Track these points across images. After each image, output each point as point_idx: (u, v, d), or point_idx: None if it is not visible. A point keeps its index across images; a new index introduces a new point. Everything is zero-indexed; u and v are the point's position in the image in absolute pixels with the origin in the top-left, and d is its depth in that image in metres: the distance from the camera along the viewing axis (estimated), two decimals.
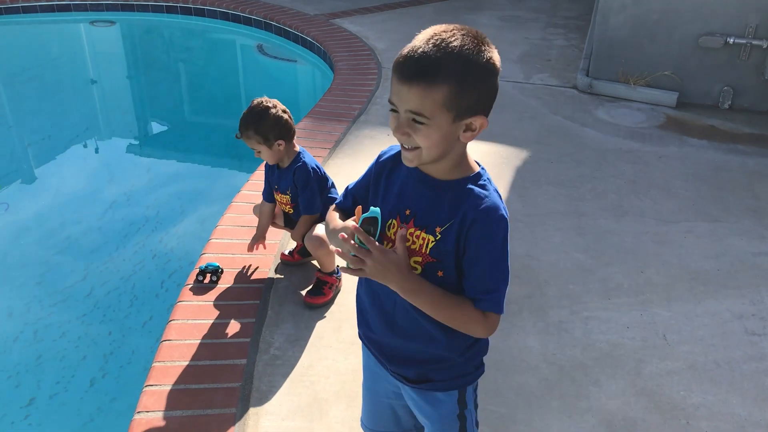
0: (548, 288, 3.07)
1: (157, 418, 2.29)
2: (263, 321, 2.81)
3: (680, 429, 2.34)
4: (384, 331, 1.52)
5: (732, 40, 4.89)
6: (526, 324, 2.83)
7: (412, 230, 1.40)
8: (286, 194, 2.94)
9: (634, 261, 3.28)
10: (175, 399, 2.37)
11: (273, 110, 2.78)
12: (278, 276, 3.11)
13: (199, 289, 2.96)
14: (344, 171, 4.00)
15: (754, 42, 4.86)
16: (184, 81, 7.31)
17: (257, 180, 3.75)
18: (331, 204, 1.62)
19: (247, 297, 2.94)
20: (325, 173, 2.99)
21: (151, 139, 6.05)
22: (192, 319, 2.78)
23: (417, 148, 1.32)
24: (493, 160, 4.24)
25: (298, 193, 2.90)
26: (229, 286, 3.00)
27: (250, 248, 3.07)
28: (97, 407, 2.87)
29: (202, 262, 3.07)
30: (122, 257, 3.85)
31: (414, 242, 1.40)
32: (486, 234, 1.35)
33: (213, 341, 2.67)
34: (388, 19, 7.44)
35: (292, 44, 7.18)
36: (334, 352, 2.65)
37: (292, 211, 3.01)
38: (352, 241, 1.34)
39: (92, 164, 5.35)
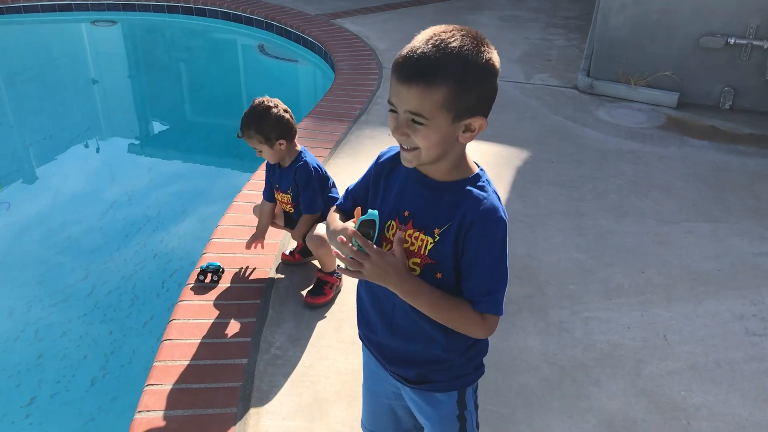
0: (549, 288, 3.07)
1: (157, 418, 2.29)
2: (264, 321, 2.81)
3: (681, 429, 2.34)
4: (384, 331, 1.52)
5: (733, 41, 4.89)
6: (526, 324, 2.83)
7: (410, 231, 1.40)
8: (287, 193, 2.95)
9: (634, 261, 3.28)
10: (175, 398, 2.37)
11: (274, 110, 2.79)
12: (279, 276, 3.11)
13: (200, 288, 2.96)
14: (345, 171, 4.00)
15: (755, 42, 4.86)
16: (185, 81, 7.31)
17: (258, 179, 3.75)
18: (332, 203, 1.62)
19: (248, 297, 2.94)
20: (326, 173, 2.99)
21: (152, 138, 6.05)
22: (193, 318, 2.78)
23: (416, 148, 1.32)
24: (493, 161, 4.24)
25: (299, 193, 2.90)
26: (230, 285, 3.01)
27: (248, 246, 3.07)
28: (98, 406, 2.87)
29: (203, 262, 3.08)
30: (123, 257, 3.86)
31: (413, 243, 1.40)
32: (485, 236, 1.35)
33: (214, 341, 2.67)
34: (389, 19, 7.44)
35: (293, 44, 7.18)
36: (334, 351, 2.66)
37: (293, 210, 3.01)
38: (350, 244, 1.34)
39: (93, 164, 5.35)
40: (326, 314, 2.87)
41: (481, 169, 1.42)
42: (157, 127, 6.48)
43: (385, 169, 1.49)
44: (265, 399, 2.41)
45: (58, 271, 3.75)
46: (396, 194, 1.44)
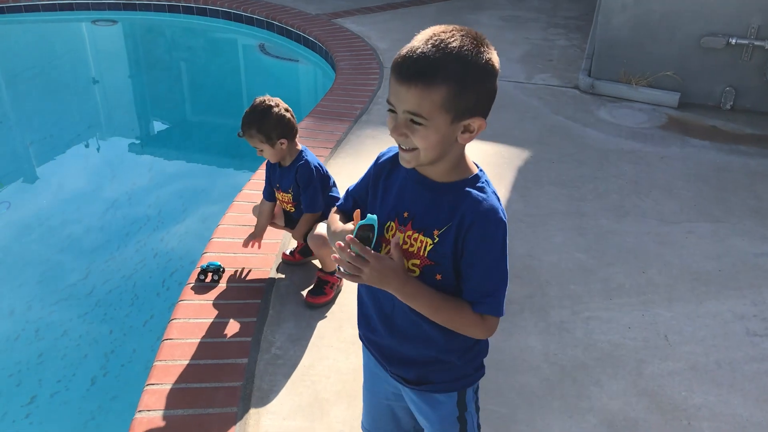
0: (550, 288, 3.07)
1: (158, 417, 2.29)
2: (264, 320, 2.81)
3: (682, 430, 2.34)
4: (384, 332, 1.52)
5: (734, 41, 4.89)
6: (527, 324, 2.83)
7: (410, 233, 1.39)
8: (288, 193, 2.94)
9: (635, 261, 3.28)
10: (176, 398, 2.37)
11: (276, 109, 2.78)
12: (279, 275, 3.11)
13: (201, 288, 2.96)
14: (346, 170, 4.00)
15: (756, 43, 4.86)
16: (186, 80, 7.31)
17: (259, 179, 3.75)
18: (333, 203, 1.62)
19: (249, 296, 2.94)
20: (327, 172, 2.99)
21: (152, 138, 6.05)
22: (193, 318, 2.78)
23: (415, 149, 1.31)
24: (494, 160, 4.24)
25: (300, 192, 2.90)
26: (230, 285, 3.00)
27: (245, 244, 3.06)
28: (98, 406, 2.87)
29: (204, 261, 3.07)
30: (123, 256, 3.86)
31: (412, 245, 1.39)
32: (484, 237, 1.34)
33: (214, 340, 2.67)
34: (390, 19, 7.44)
35: (294, 44, 7.18)
36: (335, 351, 2.65)
37: (293, 209, 3.01)
38: (349, 250, 1.34)
39: (94, 163, 5.35)
40: (327, 314, 2.87)
41: (481, 170, 1.41)
42: (158, 126, 6.48)
43: (384, 170, 1.48)
44: (265, 398, 2.41)
45: (58, 270, 3.74)
46: (395, 195, 1.44)
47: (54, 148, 5.49)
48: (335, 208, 1.61)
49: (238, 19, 7.70)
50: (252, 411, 2.35)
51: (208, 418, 2.30)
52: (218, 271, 3.01)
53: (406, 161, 1.35)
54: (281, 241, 3.33)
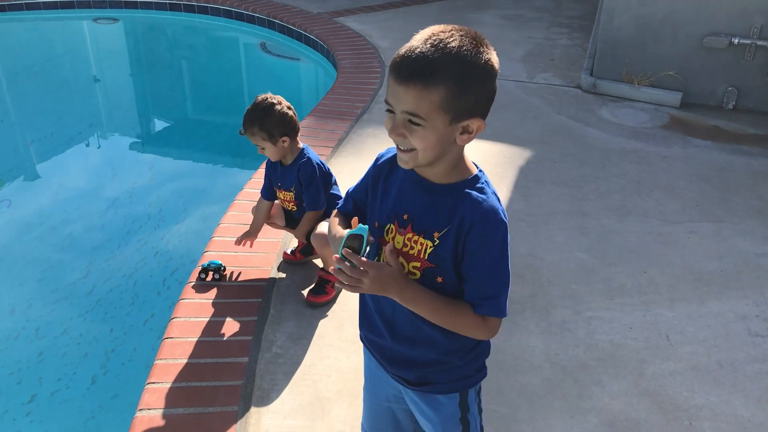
0: (551, 288, 3.06)
1: (158, 416, 2.28)
2: (265, 319, 2.80)
3: (683, 430, 2.33)
4: (385, 334, 1.51)
5: (737, 41, 4.88)
6: (529, 324, 2.82)
7: (410, 235, 1.38)
8: (290, 191, 2.94)
9: (637, 261, 3.27)
10: (176, 397, 2.37)
11: (278, 106, 2.78)
12: (280, 275, 3.10)
13: (202, 286, 2.96)
14: (347, 169, 4.00)
15: (759, 42, 4.85)
16: (187, 79, 7.31)
17: (260, 178, 3.73)
18: (335, 200, 1.61)
19: (250, 295, 2.94)
20: (328, 169, 2.98)
21: (153, 136, 6.05)
22: (194, 316, 2.77)
23: (413, 149, 1.30)
24: (496, 160, 4.24)
25: (303, 190, 2.89)
26: (231, 284, 3.00)
27: (238, 242, 3.04)
28: (99, 404, 2.86)
29: (205, 260, 3.07)
30: (124, 255, 3.85)
31: (412, 247, 1.38)
32: (484, 238, 1.33)
33: (215, 339, 2.66)
34: (392, 18, 7.43)
35: (296, 42, 7.18)
36: (336, 350, 2.65)
37: (295, 208, 3.00)
38: (346, 263, 1.33)
39: (95, 162, 5.35)
40: (328, 313, 2.86)
41: (480, 170, 1.40)
42: (159, 124, 6.48)
43: (383, 171, 1.47)
44: (266, 397, 2.41)
45: (59, 269, 3.74)
46: (394, 197, 1.43)
47: (55, 146, 5.49)
48: (336, 211, 1.61)
49: (239, 17, 7.70)
50: (253, 410, 2.34)
51: (208, 416, 2.29)
52: (219, 270, 3.01)
53: (405, 162, 1.34)
54: (282, 240, 3.32)
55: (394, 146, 1.38)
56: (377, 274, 1.32)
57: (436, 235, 1.35)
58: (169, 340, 2.64)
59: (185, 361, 2.53)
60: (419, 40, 1.25)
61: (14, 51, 7.69)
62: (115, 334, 3.26)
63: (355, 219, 1.40)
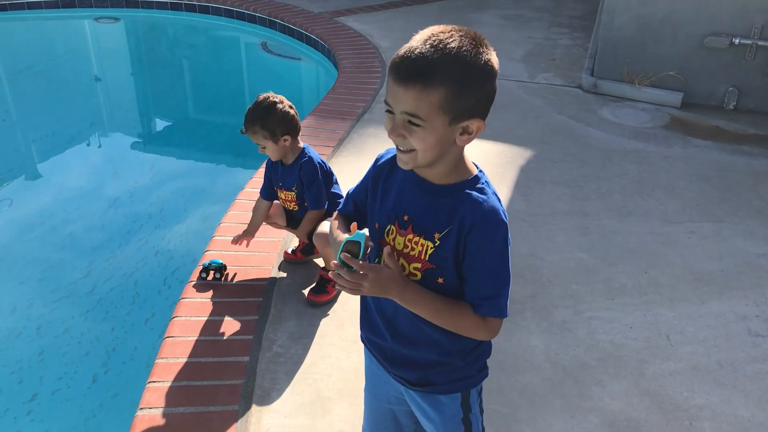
0: (552, 288, 3.06)
1: (159, 415, 2.29)
2: (266, 318, 2.80)
3: (683, 430, 2.34)
4: (386, 335, 1.51)
5: (737, 41, 4.88)
6: (529, 323, 2.83)
7: (410, 236, 1.38)
8: (292, 191, 2.94)
9: (637, 261, 3.27)
10: (177, 396, 2.37)
11: (280, 105, 2.78)
12: (281, 274, 3.11)
13: (202, 286, 2.96)
14: (348, 169, 4.00)
15: (760, 43, 4.85)
16: (188, 78, 7.31)
17: (261, 178, 3.74)
18: (336, 200, 1.61)
19: (250, 294, 2.94)
20: (329, 168, 2.98)
21: (154, 136, 6.05)
22: (195, 316, 2.78)
23: (412, 150, 1.29)
24: (497, 160, 4.24)
25: (305, 189, 2.89)
26: (232, 283, 3.00)
27: (235, 241, 3.04)
28: (100, 403, 2.87)
29: (206, 260, 3.07)
30: (125, 254, 3.86)
31: (413, 248, 1.38)
32: (485, 239, 1.33)
33: (216, 338, 2.67)
34: (393, 18, 7.43)
35: (297, 42, 7.18)
36: (336, 350, 2.65)
37: (297, 208, 3.00)
38: (345, 269, 1.33)
39: (96, 161, 5.35)
40: (329, 312, 2.86)
41: (480, 171, 1.39)
42: (160, 124, 6.48)
43: (383, 172, 1.47)
44: (267, 397, 2.41)
45: (60, 268, 3.75)
46: (394, 198, 1.42)
47: (56, 145, 5.49)
48: (336, 213, 1.61)
49: (240, 17, 7.70)
50: (253, 409, 2.35)
51: (209, 415, 2.30)
52: (220, 269, 3.01)
53: (404, 163, 1.33)
54: (283, 240, 3.33)
55: (394, 147, 1.37)
56: (376, 276, 1.32)
57: (436, 236, 1.35)
58: (170, 339, 2.64)
59: (186, 360, 2.54)
60: (419, 40, 1.24)
61: (15, 50, 7.69)
62: (116, 333, 3.26)
63: (354, 225, 1.40)
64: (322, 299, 2.89)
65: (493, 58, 1.27)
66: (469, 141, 1.31)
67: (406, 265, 1.40)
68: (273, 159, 2.92)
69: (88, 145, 5.58)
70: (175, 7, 8.01)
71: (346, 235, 1.37)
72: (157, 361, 2.53)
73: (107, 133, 5.98)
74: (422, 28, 1.29)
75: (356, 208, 1.56)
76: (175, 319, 2.75)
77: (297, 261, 3.16)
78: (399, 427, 1.71)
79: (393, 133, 1.29)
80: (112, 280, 3.61)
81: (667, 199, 3.86)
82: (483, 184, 1.36)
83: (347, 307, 2.88)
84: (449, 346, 1.46)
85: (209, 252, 3.19)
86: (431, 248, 1.36)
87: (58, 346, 3.17)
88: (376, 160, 1.51)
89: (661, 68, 5.21)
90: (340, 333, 2.74)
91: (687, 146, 4.54)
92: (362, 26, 7.06)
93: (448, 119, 1.25)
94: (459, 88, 1.23)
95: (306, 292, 2.95)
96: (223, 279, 3.01)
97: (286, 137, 2.80)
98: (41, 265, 3.75)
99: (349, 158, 4.22)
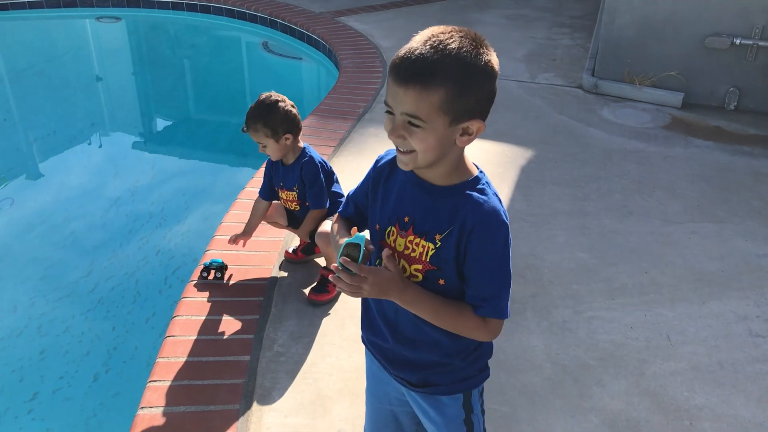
0: (552, 287, 3.06)
1: (160, 414, 2.29)
2: (267, 318, 2.81)
3: (683, 430, 2.34)
4: (387, 336, 1.51)
5: (738, 41, 4.88)
6: (530, 323, 2.83)
7: (411, 238, 1.38)
8: (293, 191, 2.94)
9: (638, 261, 3.27)
10: (178, 395, 2.37)
11: (282, 104, 2.78)
12: (282, 273, 3.11)
13: (203, 285, 2.96)
14: (348, 169, 4.00)
15: (761, 43, 4.85)
16: (189, 78, 7.32)
17: (261, 177, 3.75)
18: (337, 199, 1.61)
19: (251, 294, 2.94)
20: (330, 168, 2.98)
21: (155, 135, 6.06)
22: (196, 315, 2.78)
23: (412, 151, 1.29)
24: (497, 160, 4.24)
25: (307, 189, 2.89)
26: (233, 283, 3.01)
27: (232, 241, 3.03)
28: (100, 402, 2.87)
29: (207, 259, 3.07)
30: (126, 253, 3.86)
31: (414, 250, 1.38)
32: (486, 240, 1.33)
33: (216, 338, 2.67)
34: (394, 18, 7.44)
35: (298, 42, 7.18)
36: (337, 349, 2.65)
37: (298, 208, 3.00)
38: (345, 272, 1.33)
39: (97, 160, 5.36)
40: (329, 311, 2.87)
41: (481, 171, 1.39)
42: (161, 123, 6.49)
43: (383, 174, 1.47)
44: (267, 396, 2.41)
45: (61, 267, 3.75)
46: (395, 199, 1.42)
47: (57, 145, 5.50)
48: (337, 215, 1.61)
49: (241, 16, 7.71)
50: (254, 408, 2.35)
51: (210, 415, 2.30)
52: (221, 268, 3.01)
53: (404, 164, 1.33)
54: (283, 239, 3.33)
55: (394, 148, 1.37)
56: (375, 279, 1.32)
57: (437, 237, 1.35)
58: (170, 338, 2.64)
59: (187, 359, 2.54)
60: (419, 41, 1.24)
61: (17, 49, 7.70)
62: (116, 333, 3.27)
63: (354, 229, 1.40)
64: (323, 298, 2.90)
65: (494, 58, 1.27)
66: (469, 142, 1.31)
67: (407, 266, 1.40)
68: (273, 158, 2.92)
69: (90, 144, 5.59)
70: (176, 6, 8.02)
71: (346, 238, 1.37)
72: (157, 360, 2.53)
73: (108, 132, 5.98)
74: (423, 28, 1.28)
75: (357, 210, 1.56)
76: (176, 318, 2.76)
77: (298, 260, 3.17)
78: (400, 428, 1.70)
79: (393, 134, 1.29)
80: (113, 279, 3.62)
81: (667, 199, 3.86)
82: (484, 184, 1.36)
83: (348, 306, 2.89)
84: (450, 347, 1.46)
85: (210, 251, 3.19)
86: (432, 249, 1.35)
87: (59, 345, 3.17)
88: (376, 162, 1.50)
89: (661, 68, 5.22)
90: (340, 332, 2.74)
91: (688, 146, 4.54)
92: (363, 26, 7.06)
93: (449, 120, 1.25)
94: (459, 89, 1.22)
95: (307, 291, 2.95)
96: (224, 278, 3.01)
97: (287, 136, 2.80)
98: (42, 264, 3.76)
99: (350, 158, 4.22)
